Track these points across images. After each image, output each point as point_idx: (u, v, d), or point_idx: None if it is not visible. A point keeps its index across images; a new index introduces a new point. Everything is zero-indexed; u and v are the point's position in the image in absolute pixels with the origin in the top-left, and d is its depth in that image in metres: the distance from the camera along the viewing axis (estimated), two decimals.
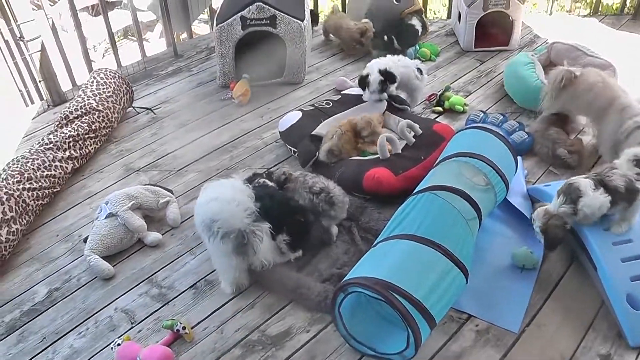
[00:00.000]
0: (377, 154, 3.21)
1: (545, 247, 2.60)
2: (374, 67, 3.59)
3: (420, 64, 3.88)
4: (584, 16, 5.71)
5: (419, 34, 4.78)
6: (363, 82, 3.62)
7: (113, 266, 2.78)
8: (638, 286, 2.39)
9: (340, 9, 5.33)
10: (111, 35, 4.83)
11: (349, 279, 2.18)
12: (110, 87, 3.87)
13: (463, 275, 2.27)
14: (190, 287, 2.68)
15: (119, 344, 2.33)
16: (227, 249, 2.43)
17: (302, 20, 4.17)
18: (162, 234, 2.99)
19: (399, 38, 4.70)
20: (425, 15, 5.32)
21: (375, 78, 3.53)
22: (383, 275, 2.10)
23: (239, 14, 4.04)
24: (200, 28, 6.83)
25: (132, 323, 2.52)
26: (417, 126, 3.37)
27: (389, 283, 2.07)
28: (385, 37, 4.73)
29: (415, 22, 4.74)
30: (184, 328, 2.40)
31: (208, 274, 2.74)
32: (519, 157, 3.15)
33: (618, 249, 2.48)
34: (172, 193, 3.19)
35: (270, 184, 2.86)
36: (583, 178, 2.51)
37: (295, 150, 3.45)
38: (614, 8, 5.91)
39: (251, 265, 2.56)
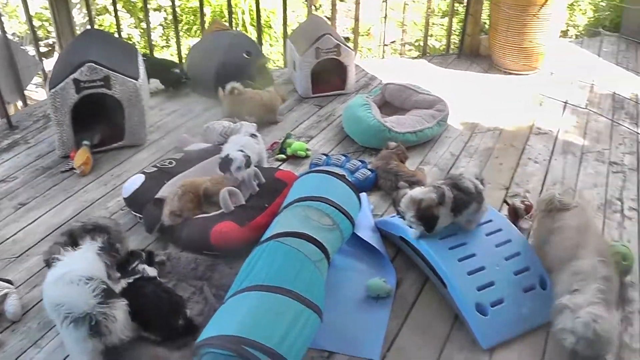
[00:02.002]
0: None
1: (426, 230, 2.71)
2: (230, 147, 3.49)
3: (252, 127, 3.94)
4: (414, 58, 6.24)
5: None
6: (226, 163, 3.44)
7: None
8: (484, 294, 2.59)
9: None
10: None
11: (200, 341, 2.11)
12: None
13: (316, 315, 2.29)
14: None
15: None
16: (80, 334, 2.25)
17: (137, 79, 4.09)
18: (1, 332, 2.69)
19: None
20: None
21: (236, 156, 3.38)
22: (233, 331, 2.07)
23: (71, 77, 3.88)
24: (38, 93, 6.46)
25: None
26: (260, 175, 3.40)
27: (240, 337, 2.03)
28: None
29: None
30: None
31: None
32: (363, 193, 3.29)
33: (463, 264, 2.67)
34: (12, 283, 2.89)
35: (150, 272, 2.70)
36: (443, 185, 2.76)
37: (141, 216, 3.34)
38: (440, 49, 6.50)
39: (109, 344, 2.36)
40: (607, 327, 2.19)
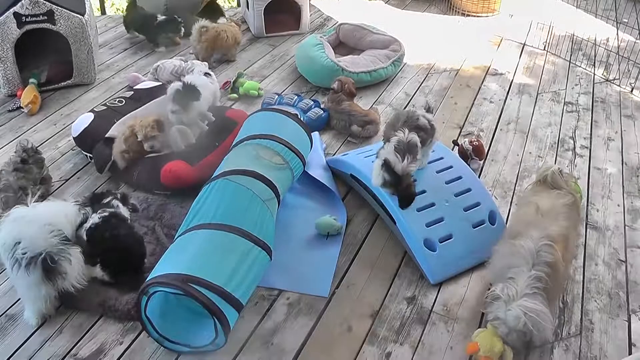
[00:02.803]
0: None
1: (401, 207, 2.65)
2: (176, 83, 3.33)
3: (203, 66, 3.89)
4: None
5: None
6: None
7: None
8: (432, 231, 2.64)
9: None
10: None
11: (149, 280, 2.12)
12: None
13: (265, 253, 2.32)
14: None
15: None
16: (35, 277, 2.20)
17: (83, 15, 3.94)
18: None
19: None
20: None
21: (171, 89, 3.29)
22: (181, 269, 2.08)
23: (11, 10, 3.70)
24: None
25: None
26: (209, 114, 3.36)
27: (187, 275, 2.05)
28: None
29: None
30: None
31: (8, 308, 2.48)
32: (316, 132, 3.28)
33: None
34: None
35: (123, 212, 2.60)
36: (404, 132, 2.61)
37: (91, 155, 3.27)
38: None
39: (61, 290, 2.34)
40: (539, 320, 2.08)
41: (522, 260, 2.23)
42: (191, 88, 3.22)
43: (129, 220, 2.62)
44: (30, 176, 2.88)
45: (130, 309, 2.38)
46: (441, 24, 5.42)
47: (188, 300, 2.19)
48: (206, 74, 3.60)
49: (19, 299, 2.50)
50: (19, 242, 2.17)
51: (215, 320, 2.07)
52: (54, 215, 2.33)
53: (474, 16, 5.54)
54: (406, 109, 3.90)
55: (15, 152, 2.96)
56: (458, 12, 5.61)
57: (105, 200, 2.60)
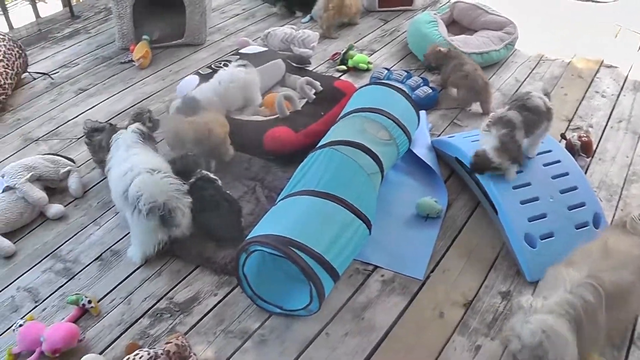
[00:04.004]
0: (276, 114, 3.16)
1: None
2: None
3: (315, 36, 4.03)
4: None
5: None
6: None
7: (14, 243, 2.64)
8: (535, 226, 2.52)
9: None
10: None
11: (249, 238, 2.16)
12: (0, 51, 3.60)
13: (365, 227, 2.31)
14: (95, 259, 2.59)
15: (20, 325, 2.20)
16: (152, 224, 2.36)
17: None
18: (65, 206, 2.86)
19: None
20: None
21: None
22: (283, 232, 2.10)
23: None
24: None
25: (35, 302, 2.40)
26: (317, 83, 3.35)
27: (289, 239, 2.07)
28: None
29: None
30: (89, 302, 2.31)
31: (114, 244, 2.66)
32: (423, 111, 3.20)
33: (517, 192, 2.59)
34: (74, 162, 3.04)
35: (213, 178, 2.65)
36: (509, 111, 2.57)
37: None
38: None
39: (173, 237, 2.49)
40: (558, 344, 1.81)
41: (561, 287, 1.96)
42: (191, 102, 3.11)
43: (218, 182, 2.66)
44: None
45: (227, 263, 2.45)
46: (556, 7, 5.09)
47: (285, 263, 2.22)
48: (242, 65, 3.32)
49: (123, 237, 2.67)
50: (141, 196, 2.31)
51: (312, 286, 2.08)
52: (160, 161, 2.46)
53: (593, 1, 5.17)
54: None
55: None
56: None
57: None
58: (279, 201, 2.38)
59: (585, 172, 3.07)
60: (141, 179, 2.35)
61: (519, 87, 3.90)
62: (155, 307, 2.36)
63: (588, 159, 3.18)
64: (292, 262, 2.06)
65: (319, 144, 2.61)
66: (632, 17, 4.86)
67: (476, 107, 3.57)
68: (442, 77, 3.71)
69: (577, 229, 2.56)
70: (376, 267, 2.52)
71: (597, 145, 3.32)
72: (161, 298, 2.40)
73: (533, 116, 2.57)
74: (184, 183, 2.48)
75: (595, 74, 4.06)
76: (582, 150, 3.14)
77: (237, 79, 3.21)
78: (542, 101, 2.59)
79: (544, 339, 1.81)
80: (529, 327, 1.85)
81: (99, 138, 2.88)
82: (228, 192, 2.64)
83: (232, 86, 3.19)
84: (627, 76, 4.06)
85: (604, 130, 3.47)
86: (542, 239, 2.50)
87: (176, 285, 2.46)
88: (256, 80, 3.30)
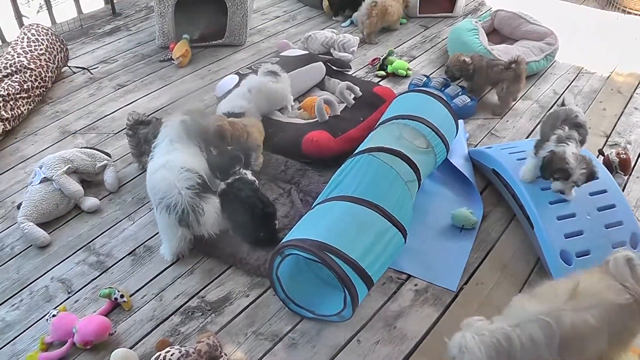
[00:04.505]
0: (315, 118, 3.16)
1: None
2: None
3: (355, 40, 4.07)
4: None
5: None
6: None
7: (49, 233, 2.68)
8: (571, 243, 2.47)
9: None
10: None
11: (285, 242, 2.15)
12: (43, 45, 3.68)
13: (401, 235, 2.28)
14: (128, 254, 2.62)
15: (54, 315, 2.24)
16: (171, 220, 2.38)
17: None
18: (100, 199, 2.90)
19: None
20: None
21: None
22: (319, 237, 2.09)
23: None
24: None
25: (68, 293, 2.43)
26: (357, 88, 3.34)
27: (325, 244, 2.06)
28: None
29: None
30: (122, 296, 2.33)
31: (147, 240, 2.68)
32: (461, 120, 3.16)
33: (554, 207, 2.55)
34: (110, 156, 3.08)
35: (250, 177, 2.66)
36: (563, 130, 2.48)
37: None
38: None
39: (196, 235, 2.50)
40: None
41: (513, 317, 1.88)
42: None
43: (255, 184, 2.66)
44: None
45: (261, 264, 2.45)
46: (597, 19, 5.01)
47: (319, 268, 2.22)
48: (271, 72, 3.25)
49: (156, 233, 2.69)
50: (157, 193, 2.36)
51: (346, 292, 2.07)
52: (192, 159, 2.47)
53: (635, 14, 5.06)
54: (553, 108, 3.68)
55: None
56: (618, 8, 5.15)
57: (232, 170, 2.66)
58: (316, 205, 2.37)
59: (623, 190, 3.00)
60: (160, 176, 2.39)
61: (557, 99, 3.83)
62: (186, 305, 2.38)
63: (625, 177, 3.11)
64: (327, 268, 2.04)
65: (357, 150, 2.60)
66: None
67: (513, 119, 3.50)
68: (477, 83, 3.66)
69: (613, 247, 2.48)
70: (410, 276, 2.50)
71: (635, 163, 3.24)
72: (193, 296, 2.41)
73: (583, 131, 2.53)
74: (221, 182, 2.49)
75: (635, 90, 3.97)
76: (620, 167, 3.07)
77: (266, 89, 3.22)
78: (584, 117, 2.55)
79: (456, 355, 1.82)
80: (455, 340, 1.84)
81: (144, 131, 2.90)
82: (264, 194, 2.65)
83: (260, 95, 3.20)
84: None
85: None
86: (578, 257, 2.44)
87: (208, 284, 2.46)
88: (286, 86, 3.29)
